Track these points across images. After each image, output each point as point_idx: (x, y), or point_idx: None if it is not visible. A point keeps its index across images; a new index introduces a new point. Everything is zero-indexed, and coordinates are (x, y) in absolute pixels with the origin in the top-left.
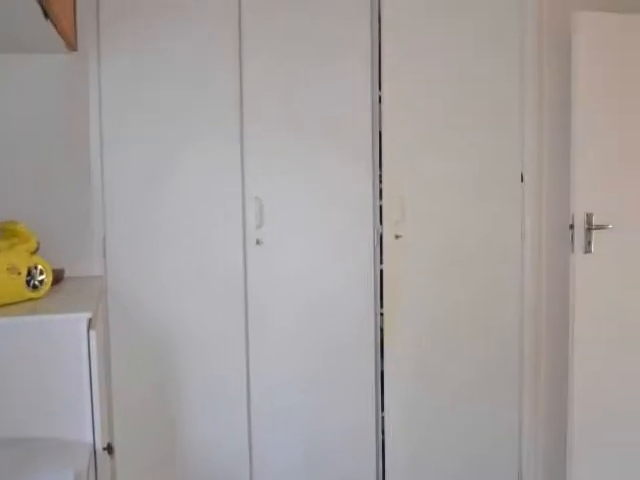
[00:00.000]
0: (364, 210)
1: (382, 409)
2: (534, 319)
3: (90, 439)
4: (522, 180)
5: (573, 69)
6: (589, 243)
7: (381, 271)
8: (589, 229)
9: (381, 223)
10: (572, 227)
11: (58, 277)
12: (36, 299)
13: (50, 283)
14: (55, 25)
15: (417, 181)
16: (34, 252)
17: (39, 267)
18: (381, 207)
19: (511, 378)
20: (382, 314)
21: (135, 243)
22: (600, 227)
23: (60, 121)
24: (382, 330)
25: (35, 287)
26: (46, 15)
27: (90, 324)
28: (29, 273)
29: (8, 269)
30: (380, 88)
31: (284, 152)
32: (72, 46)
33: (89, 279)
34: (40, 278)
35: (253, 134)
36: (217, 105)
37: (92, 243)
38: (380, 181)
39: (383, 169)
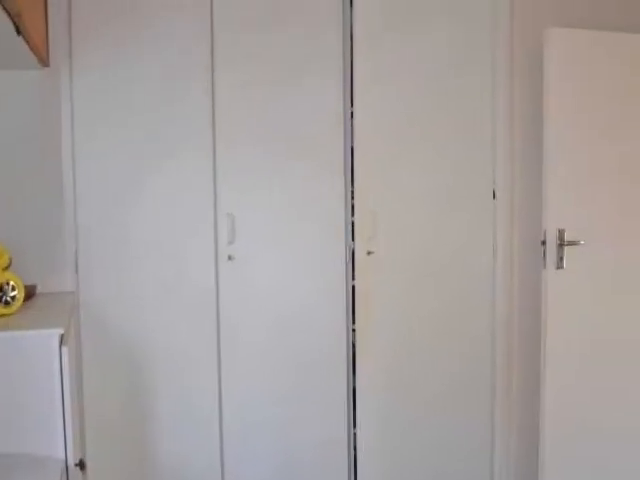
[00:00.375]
0: (336, 226)
1: (354, 425)
2: (506, 333)
3: (62, 455)
4: (494, 197)
5: (544, 85)
6: (561, 259)
7: (353, 287)
8: (561, 245)
9: (353, 239)
10: (544, 243)
11: (30, 293)
12: (8, 315)
13: (22, 299)
14: (27, 41)
15: (390, 197)
16: (6, 268)
17: (11, 283)
18: (353, 223)
19: (483, 392)
20: (354, 330)
21: (107, 258)
22: (572, 243)
23: (32, 137)
24: (354, 346)
25: (7, 303)
26: (18, 32)
27: (62, 340)
28: (1, 289)
29: None
30: (352, 104)
31: (256, 168)
32: (44, 62)
33: (61, 295)
34: (12, 294)
35: (226, 150)
36: (189, 121)
37: (64, 258)
38: (352, 197)
39: (355, 185)
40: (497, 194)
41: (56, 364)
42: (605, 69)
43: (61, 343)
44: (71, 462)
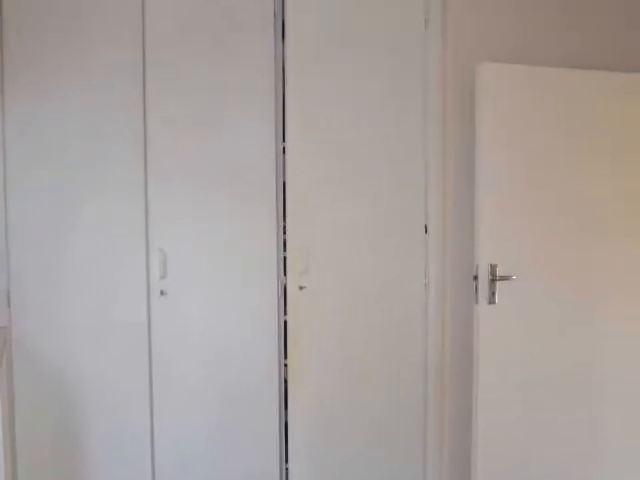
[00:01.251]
0: (268, 261)
1: (286, 460)
2: (438, 366)
3: None
4: (426, 231)
5: (477, 120)
6: (493, 294)
7: (285, 322)
8: (493, 280)
9: (285, 274)
10: (476, 278)
11: None
12: None
13: None
14: None
15: (322, 232)
16: None
17: None
18: (285, 258)
19: (415, 424)
20: (286, 365)
21: (40, 293)
22: (504, 278)
23: None
24: (286, 381)
25: None
26: None
27: None
28: None
29: None
30: (284, 139)
31: (189, 203)
32: None
33: None
34: None
35: (157, 185)
36: (121, 155)
37: None
38: (284, 232)
39: (287, 220)
40: (429, 229)
41: None
42: (537, 104)
43: None
44: None
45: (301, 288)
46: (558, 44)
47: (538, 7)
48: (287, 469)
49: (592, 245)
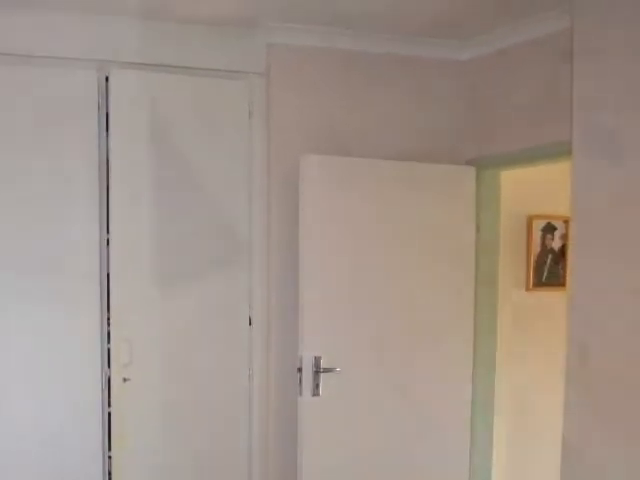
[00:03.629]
0: (92, 353)
1: None
2: (263, 458)
3: None
4: (250, 323)
5: (300, 211)
6: (317, 386)
7: (110, 414)
8: (317, 372)
9: (109, 366)
10: (300, 370)
11: None
12: None
13: None
14: None
15: (147, 324)
16: None
17: None
18: (109, 350)
19: None
20: (110, 457)
21: None
22: (328, 370)
23: None
24: (110, 473)
25: None
26: None
27: None
28: None
29: None
30: (108, 231)
31: (9, 295)
32: None
33: None
34: None
35: None
36: None
37: None
38: (109, 324)
39: (111, 312)
40: (253, 320)
41: None
42: (359, 194)
43: None
44: None
45: (125, 380)
46: (383, 137)
47: (360, 103)
48: None
49: (414, 334)
